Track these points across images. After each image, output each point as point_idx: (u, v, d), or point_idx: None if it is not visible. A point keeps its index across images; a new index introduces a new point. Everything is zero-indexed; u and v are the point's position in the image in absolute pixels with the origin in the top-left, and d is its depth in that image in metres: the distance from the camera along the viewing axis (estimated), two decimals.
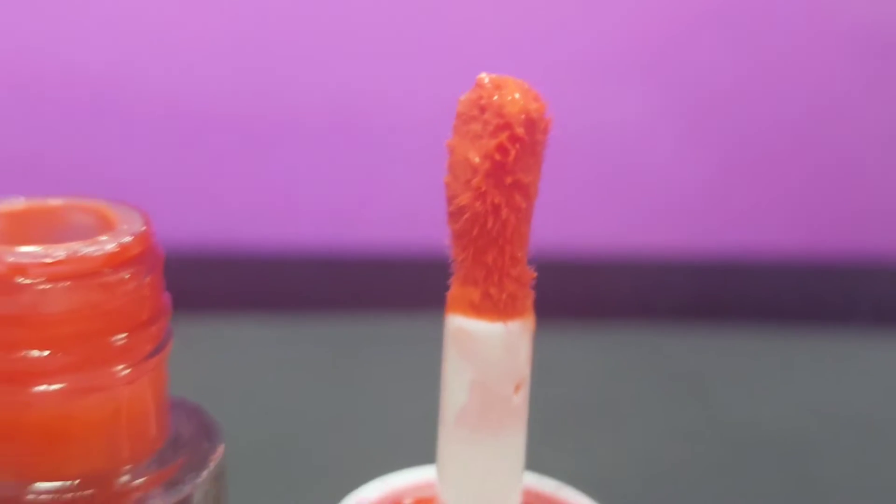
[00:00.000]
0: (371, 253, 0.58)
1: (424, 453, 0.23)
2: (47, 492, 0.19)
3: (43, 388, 0.19)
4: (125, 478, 0.20)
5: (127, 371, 0.19)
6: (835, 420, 0.42)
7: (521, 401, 0.21)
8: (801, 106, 0.59)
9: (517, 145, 0.18)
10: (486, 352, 0.20)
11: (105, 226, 0.20)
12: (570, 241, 0.56)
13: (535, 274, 0.20)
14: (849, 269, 0.61)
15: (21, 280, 0.18)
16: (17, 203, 0.20)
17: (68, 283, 0.18)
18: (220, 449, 0.21)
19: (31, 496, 0.19)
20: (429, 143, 0.57)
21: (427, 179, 0.59)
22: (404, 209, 0.58)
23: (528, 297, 0.20)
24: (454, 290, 0.20)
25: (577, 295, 0.53)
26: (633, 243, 0.59)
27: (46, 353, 0.19)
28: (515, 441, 0.21)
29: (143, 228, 0.19)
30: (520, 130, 0.18)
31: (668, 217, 0.60)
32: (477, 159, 0.18)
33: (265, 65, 0.55)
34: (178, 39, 0.54)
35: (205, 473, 0.20)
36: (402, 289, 0.55)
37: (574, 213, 0.57)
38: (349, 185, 0.58)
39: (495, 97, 0.18)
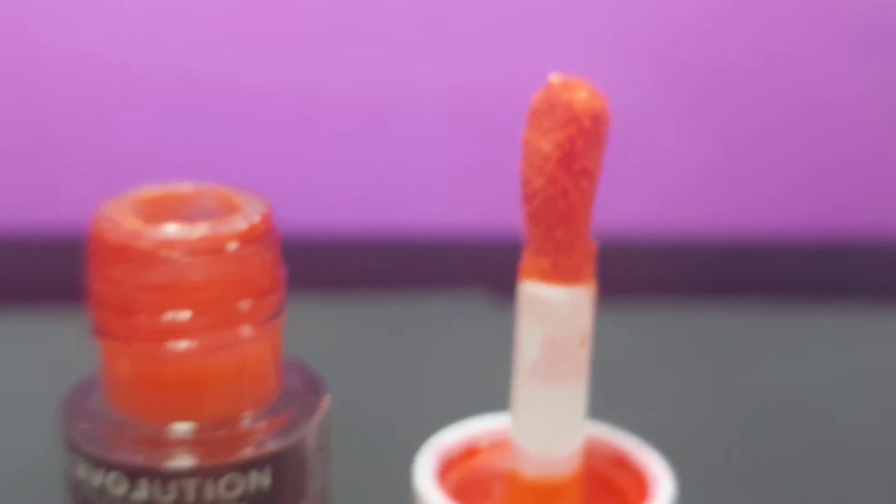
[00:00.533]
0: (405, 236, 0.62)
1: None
2: (184, 432, 0.23)
3: (183, 344, 0.22)
4: (248, 422, 0.24)
5: (251, 331, 0.23)
6: (843, 386, 0.45)
7: (584, 355, 0.24)
8: (804, 89, 0.62)
9: (584, 137, 0.22)
10: (555, 313, 0.23)
11: (230, 208, 0.23)
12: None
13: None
14: (854, 248, 0.64)
15: (168, 254, 0.22)
16: (155, 190, 0.24)
17: (207, 256, 0.22)
18: (327, 399, 0.25)
19: (170, 436, 0.23)
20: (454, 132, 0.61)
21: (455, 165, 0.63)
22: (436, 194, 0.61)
23: (591, 267, 0.23)
24: (527, 261, 0.23)
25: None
26: (649, 224, 0.62)
27: (187, 315, 0.22)
28: (579, 389, 0.24)
29: (266, 210, 0.23)
30: (586, 123, 0.21)
31: (679, 200, 0.63)
32: (548, 149, 0.22)
33: (298, 57, 0.58)
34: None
35: (314, 420, 0.24)
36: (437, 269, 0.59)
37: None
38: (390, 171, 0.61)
39: (564, 95, 0.22)
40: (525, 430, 0.25)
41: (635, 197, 0.62)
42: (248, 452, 0.23)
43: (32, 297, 0.52)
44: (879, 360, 0.50)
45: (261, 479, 0.23)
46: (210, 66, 0.60)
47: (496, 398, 0.30)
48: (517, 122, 0.23)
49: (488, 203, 0.56)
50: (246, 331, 0.23)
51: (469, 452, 0.27)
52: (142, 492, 0.23)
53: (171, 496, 0.23)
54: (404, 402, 0.40)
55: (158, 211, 0.23)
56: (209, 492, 0.23)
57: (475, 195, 0.63)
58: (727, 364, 0.48)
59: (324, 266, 0.57)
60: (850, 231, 0.64)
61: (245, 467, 0.23)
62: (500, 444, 0.27)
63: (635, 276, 0.58)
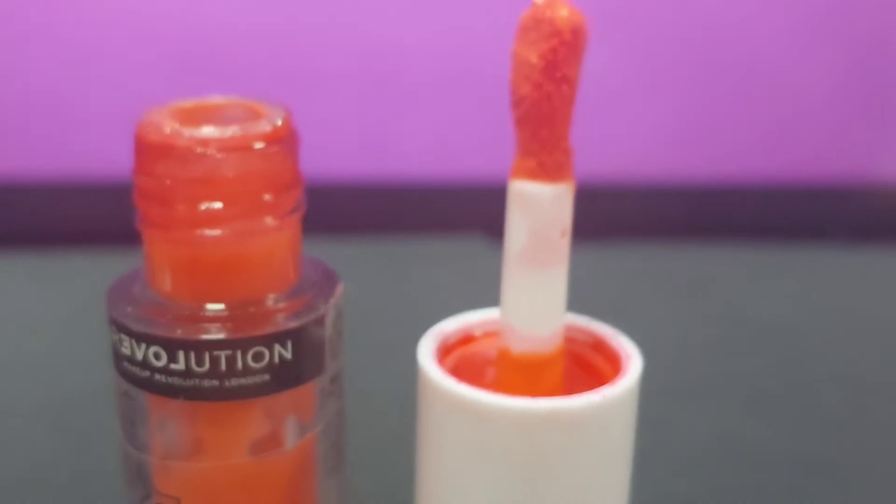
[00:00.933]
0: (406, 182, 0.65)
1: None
2: (216, 310, 0.27)
3: (217, 231, 0.26)
4: (272, 302, 0.27)
5: (274, 222, 0.27)
6: (811, 312, 0.50)
7: (564, 244, 0.28)
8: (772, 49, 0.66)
9: (565, 47, 0.25)
10: (539, 206, 0.27)
11: (256, 115, 0.27)
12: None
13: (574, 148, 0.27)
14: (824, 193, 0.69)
15: (203, 151, 0.25)
16: (189, 101, 0.27)
17: (237, 153, 0.25)
18: (340, 287, 0.28)
19: (204, 313, 0.27)
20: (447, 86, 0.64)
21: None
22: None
23: (571, 166, 0.27)
24: (516, 162, 0.27)
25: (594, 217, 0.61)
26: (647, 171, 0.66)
27: (220, 205, 0.26)
28: (560, 275, 0.28)
29: (287, 116, 0.26)
30: (567, 36, 0.25)
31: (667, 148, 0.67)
32: (534, 59, 0.26)
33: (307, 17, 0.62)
34: None
35: (330, 302, 0.28)
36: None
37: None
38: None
39: (548, 13, 0.25)
40: (513, 311, 0.28)
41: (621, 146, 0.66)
42: (272, 327, 0.26)
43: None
44: (844, 290, 0.54)
45: (283, 352, 0.27)
46: (216, 17, 0.63)
47: None
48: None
49: (486, 152, 0.59)
50: (270, 221, 0.26)
51: (465, 339, 0.31)
52: (179, 363, 0.26)
53: (205, 366, 0.26)
54: (407, 317, 0.44)
55: (193, 117, 0.27)
56: (238, 362, 0.26)
57: (474, 145, 0.67)
58: (706, 293, 0.53)
59: (333, 209, 0.61)
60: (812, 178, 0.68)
61: (270, 340, 0.26)
62: (492, 334, 0.31)
63: (627, 218, 0.62)
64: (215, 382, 0.26)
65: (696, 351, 0.47)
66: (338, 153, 0.65)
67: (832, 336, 0.50)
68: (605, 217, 0.64)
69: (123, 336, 0.26)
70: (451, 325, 0.30)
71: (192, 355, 0.26)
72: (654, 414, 0.32)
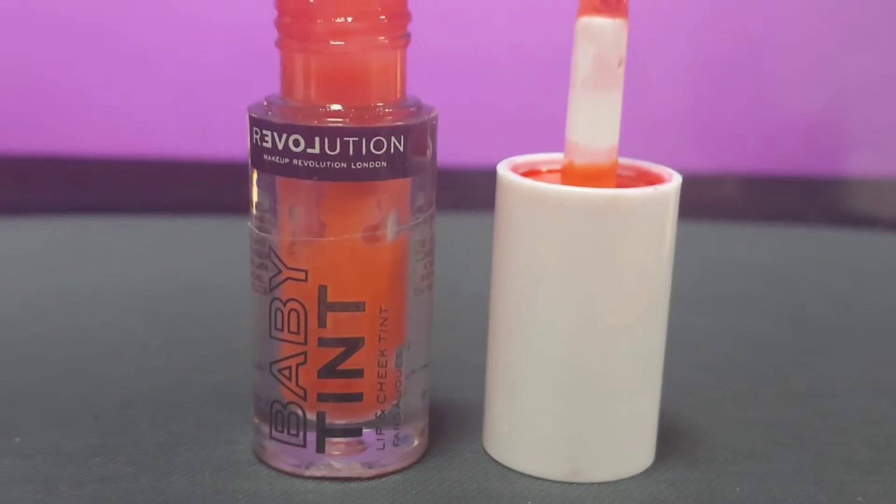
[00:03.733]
0: None
1: None
2: (342, 109, 0.34)
3: (348, 42, 0.33)
4: (383, 108, 0.34)
5: (387, 40, 0.34)
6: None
7: (620, 72, 0.35)
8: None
9: None
10: (602, 37, 0.34)
11: None
12: None
13: None
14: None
15: None
16: None
17: None
18: (435, 112, 0.35)
19: (333, 110, 0.34)
20: None
21: None
22: None
23: (627, 4, 0.35)
24: (582, 2, 0.35)
25: None
26: None
27: (350, 19, 0.33)
28: (617, 98, 0.35)
29: None
30: None
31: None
32: None
33: None
34: None
35: (431, 115, 0.35)
36: None
37: None
38: None
39: None
40: (578, 130, 0.35)
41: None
42: (389, 123, 0.33)
43: None
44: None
45: (397, 144, 0.34)
46: None
47: None
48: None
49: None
50: (384, 39, 0.34)
51: (532, 172, 0.38)
52: (315, 148, 0.33)
53: (336, 150, 0.33)
54: None
55: None
56: (363, 148, 0.33)
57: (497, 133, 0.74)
58: None
59: None
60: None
61: (388, 132, 0.33)
62: (554, 171, 0.38)
63: None
64: (343, 165, 0.33)
65: None
66: None
67: None
68: None
69: (265, 132, 0.33)
70: (520, 159, 0.37)
71: (326, 140, 0.33)
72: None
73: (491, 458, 0.37)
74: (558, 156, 0.38)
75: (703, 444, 0.39)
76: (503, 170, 0.36)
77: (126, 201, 0.75)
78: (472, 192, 0.71)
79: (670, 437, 0.39)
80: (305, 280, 0.34)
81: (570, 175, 0.36)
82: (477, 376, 0.40)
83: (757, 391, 0.44)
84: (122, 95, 0.76)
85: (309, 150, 0.33)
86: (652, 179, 0.37)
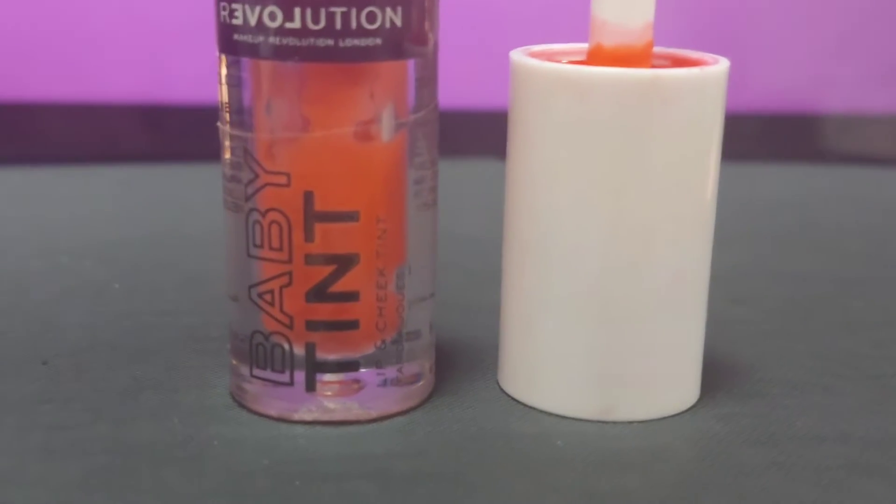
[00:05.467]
0: None
1: None
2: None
3: None
4: None
5: None
6: None
7: None
8: None
9: None
10: None
11: None
12: None
13: None
14: None
15: None
16: None
17: None
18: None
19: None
20: None
21: None
22: None
23: None
24: None
25: None
26: None
27: None
28: None
29: None
30: None
31: None
32: None
33: None
34: None
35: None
36: None
37: None
38: None
39: None
40: (606, 3, 0.30)
41: None
42: None
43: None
44: None
45: (394, 17, 0.29)
46: None
47: None
48: None
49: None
50: None
51: (549, 56, 0.33)
52: (295, 21, 0.28)
53: (321, 23, 0.28)
54: None
55: None
56: (353, 20, 0.28)
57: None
58: None
59: None
60: None
61: (382, 1, 0.28)
62: (576, 62, 0.33)
63: None
64: (330, 42, 0.28)
65: None
66: None
67: None
68: None
69: (235, 5, 0.28)
70: (536, 48, 0.32)
71: (309, 12, 0.28)
72: None
73: (509, 395, 0.33)
74: (581, 45, 0.33)
75: (751, 377, 0.35)
76: (518, 56, 0.31)
77: (81, 150, 0.70)
78: (460, 135, 0.66)
79: (713, 372, 0.34)
80: (288, 185, 0.29)
81: (597, 59, 0.31)
82: (484, 316, 0.37)
83: (802, 323, 0.40)
84: (72, 37, 0.71)
85: (288, 25, 0.28)
86: (692, 64, 0.32)
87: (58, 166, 0.63)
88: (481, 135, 0.68)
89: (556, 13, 0.71)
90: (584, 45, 0.32)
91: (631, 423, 0.31)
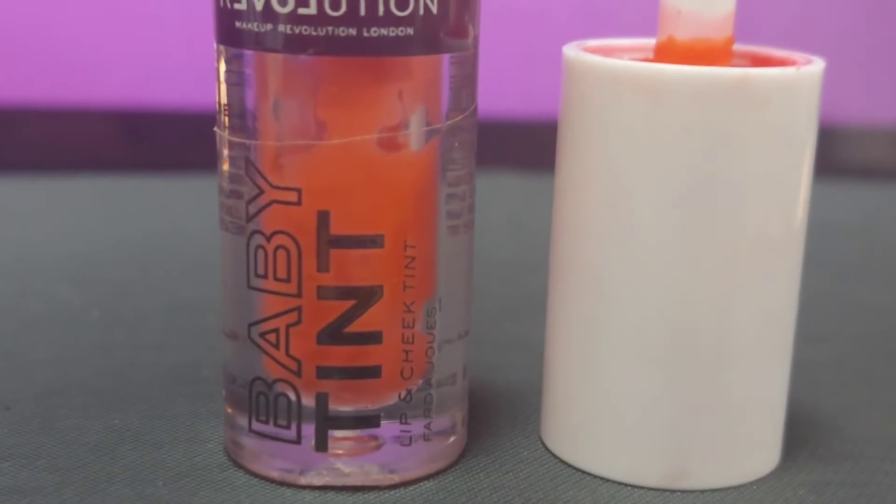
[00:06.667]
0: None
1: None
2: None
3: None
4: None
5: None
6: None
7: None
8: None
9: None
10: None
11: None
12: None
13: None
14: None
15: None
16: None
17: None
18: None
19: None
20: None
21: None
22: None
23: None
24: None
25: None
26: None
27: None
28: None
29: None
30: None
31: None
32: None
33: None
34: None
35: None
36: None
37: None
38: None
39: None
40: None
41: None
42: None
43: None
44: None
45: (429, 3, 0.24)
46: None
47: None
48: None
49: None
50: None
51: (608, 53, 0.28)
52: (311, 6, 0.24)
53: (342, 9, 0.24)
54: None
55: None
56: (380, 6, 0.24)
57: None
58: None
59: None
60: None
61: None
62: (639, 58, 0.28)
63: None
64: (352, 31, 0.24)
65: None
66: None
67: None
68: None
69: None
70: (592, 43, 0.28)
71: None
72: None
73: (555, 455, 0.28)
74: (642, 41, 0.28)
75: (837, 434, 0.30)
76: (573, 51, 0.27)
77: (58, 157, 0.65)
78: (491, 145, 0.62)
79: (792, 428, 0.29)
80: (298, 203, 0.25)
81: (668, 56, 0.26)
82: (518, 352, 0.33)
83: (887, 363, 0.35)
84: (51, 37, 0.68)
85: (301, 11, 0.24)
86: (778, 63, 0.27)
87: (31, 175, 0.59)
88: (499, 146, 0.64)
89: (591, 6, 0.67)
90: (647, 41, 0.28)
91: (703, 491, 0.27)
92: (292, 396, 0.26)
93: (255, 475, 0.27)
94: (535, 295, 0.30)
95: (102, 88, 0.69)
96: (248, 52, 0.25)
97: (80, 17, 0.68)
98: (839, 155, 0.71)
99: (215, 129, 0.26)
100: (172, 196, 0.56)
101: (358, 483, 0.27)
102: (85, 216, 0.52)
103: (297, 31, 0.24)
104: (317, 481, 0.27)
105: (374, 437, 0.27)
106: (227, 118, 0.26)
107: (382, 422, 0.27)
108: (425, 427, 0.27)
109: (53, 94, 0.68)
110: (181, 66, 0.67)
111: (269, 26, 0.24)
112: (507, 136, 0.67)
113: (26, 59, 0.68)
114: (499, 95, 0.62)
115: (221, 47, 0.25)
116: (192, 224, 0.49)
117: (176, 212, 0.53)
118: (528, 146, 0.67)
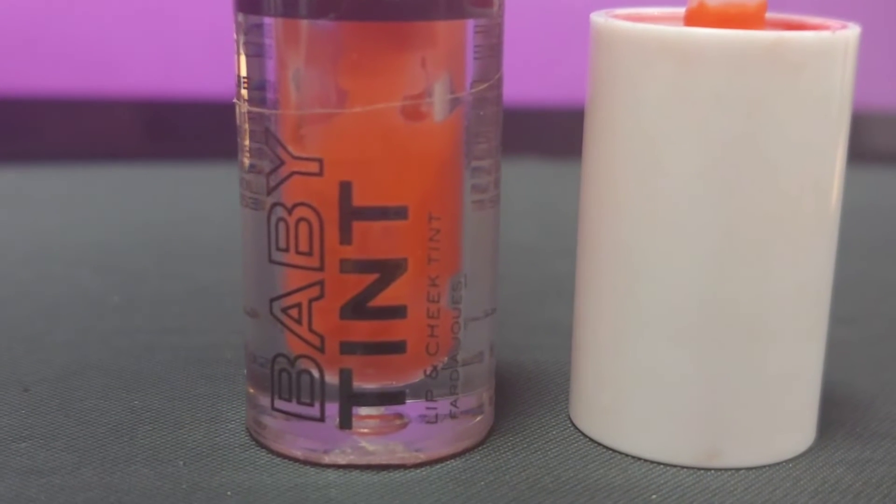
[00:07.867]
0: None
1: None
2: None
3: None
4: None
5: None
6: None
7: None
8: None
9: None
10: None
11: None
12: None
13: None
14: None
15: None
16: None
17: None
18: None
19: None
20: None
21: None
22: None
23: None
24: None
25: None
26: None
27: None
28: None
29: None
30: None
31: None
32: None
33: None
34: None
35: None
36: None
37: None
38: None
39: None
40: None
41: None
42: None
43: None
44: None
45: None
46: None
47: None
48: None
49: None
50: None
51: (637, 19, 0.28)
52: None
53: None
54: None
55: None
56: None
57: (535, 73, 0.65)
58: None
59: None
60: None
61: None
62: (668, 17, 0.28)
63: None
64: None
65: None
66: None
67: None
68: None
69: None
70: (621, 11, 0.28)
71: None
72: None
73: (585, 434, 0.28)
74: (672, 9, 0.28)
75: (874, 414, 0.29)
76: (602, 18, 0.26)
77: (81, 147, 0.65)
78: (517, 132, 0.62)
79: (828, 407, 0.29)
80: (320, 174, 0.24)
81: (699, 20, 0.26)
82: (544, 335, 0.33)
83: None
84: (74, 28, 0.67)
85: None
86: (812, 28, 0.27)
87: (52, 165, 0.59)
88: (525, 133, 0.63)
89: None
90: (676, 10, 0.28)
91: (738, 469, 0.26)
92: (315, 373, 0.26)
93: (278, 454, 0.27)
94: (563, 278, 0.29)
95: (125, 79, 0.69)
96: (267, 21, 0.24)
97: (102, 8, 0.68)
98: (870, 140, 0.70)
99: (234, 100, 0.26)
100: (193, 185, 0.56)
101: (383, 462, 0.26)
102: (107, 205, 0.52)
103: None
104: (341, 460, 0.26)
105: (400, 416, 0.26)
106: (246, 90, 0.25)
107: (408, 399, 0.26)
108: (451, 405, 0.27)
109: (76, 85, 0.68)
110: (203, 56, 0.67)
111: None
112: (534, 123, 0.67)
113: (49, 51, 0.68)
114: (524, 82, 0.62)
115: (241, 17, 0.25)
116: (213, 212, 0.49)
117: (197, 200, 0.53)
118: (554, 133, 0.67)
